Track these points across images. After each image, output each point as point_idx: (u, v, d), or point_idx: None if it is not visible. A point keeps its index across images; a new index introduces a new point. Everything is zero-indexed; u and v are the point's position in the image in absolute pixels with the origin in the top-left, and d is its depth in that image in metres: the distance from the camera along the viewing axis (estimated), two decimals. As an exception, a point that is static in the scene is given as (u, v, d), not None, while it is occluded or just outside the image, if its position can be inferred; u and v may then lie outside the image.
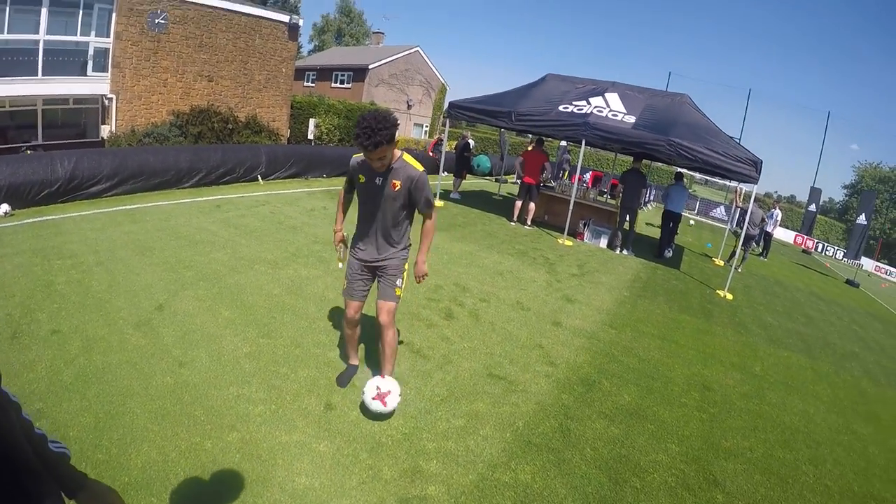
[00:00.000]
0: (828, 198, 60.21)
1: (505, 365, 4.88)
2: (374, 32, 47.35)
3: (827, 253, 29.01)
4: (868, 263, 27.69)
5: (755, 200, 12.56)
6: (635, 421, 4.27)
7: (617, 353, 5.66)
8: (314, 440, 3.36)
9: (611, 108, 11.64)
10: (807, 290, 13.26)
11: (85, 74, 14.29)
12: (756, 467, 3.97)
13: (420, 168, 3.53)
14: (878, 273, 27.64)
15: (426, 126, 40.30)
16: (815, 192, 28.33)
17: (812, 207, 28.12)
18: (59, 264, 5.92)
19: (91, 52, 14.25)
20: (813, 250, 28.34)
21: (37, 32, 13.00)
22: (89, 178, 9.28)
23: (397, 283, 3.75)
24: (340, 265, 3.97)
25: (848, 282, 17.93)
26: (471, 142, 16.42)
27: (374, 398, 3.56)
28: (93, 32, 14.16)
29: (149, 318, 4.78)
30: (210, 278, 5.96)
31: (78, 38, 13.96)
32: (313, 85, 38.89)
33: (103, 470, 2.88)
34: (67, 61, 13.98)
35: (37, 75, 13.21)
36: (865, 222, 19.41)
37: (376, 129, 3.13)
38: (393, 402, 3.60)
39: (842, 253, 27.81)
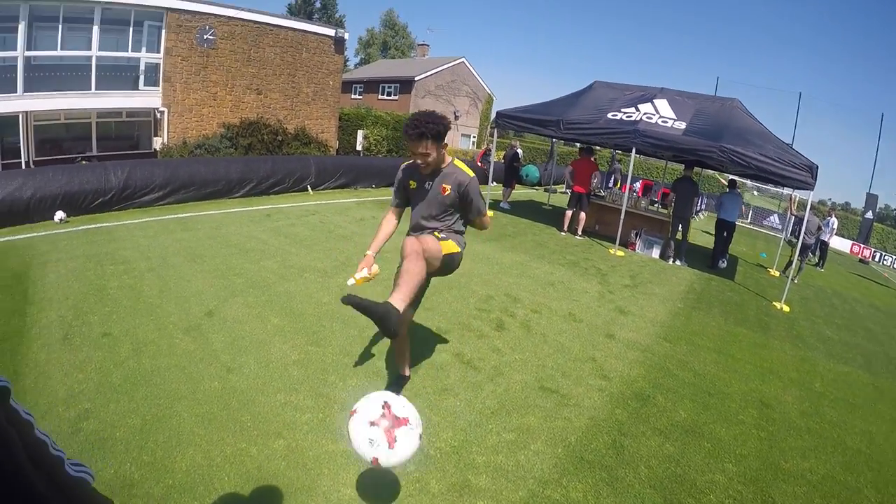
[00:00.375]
0: (884, 204, 57.66)
1: (557, 378, 4.74)
2: (419, 45, 47.91)
3: (885, 262, 27.54)
4: (932, 274, 26.22)
5: (812, 208, 12.06)
6: (691, 438, 4.06)
7: (672, 367, 5.44)
8: (362, 451, 3.30)
9: (660, 114, 11.38)
10: (866, 302, 12.60)
11: (137, 89, 14.87)
12: (816, 490, 3.71)
13: (471, 174, 3.44)
14: (947, 282, 26.15)
15: (474, 137, 40.42)
16: (871, 199, 27.09)
17: (869, 215, 26.89)
18: (112, 269, 6.09)
19: (142, 67, 14.83)
20: (870, 259, 26.93)
21: (89, 49, 13.62)
22: (142, 188, 9.61)
23: (441, 236, 3.46)
24: (351, 281, 3.38)
25: None
26: (519, 151, 16.30)
27: (371, 425, 2.44)
28: (143, 48, 14.77)
29: (199, 324, 4.85)
30: (260, 286, 6.02)
31: (129, 53, 14.57)
32: (361, 97, 39.49)
33: (148, 472, 2.90)
34: (120, 76, 14.57)
35: (90, 90, 13.81)
36: None
37: (423, 121, 3.18)
38: (406, 445, 2.48)
39: None
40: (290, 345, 4.63)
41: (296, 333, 4.88)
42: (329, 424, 3.53)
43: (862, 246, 27.43)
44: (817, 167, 9.08)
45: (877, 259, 27.38)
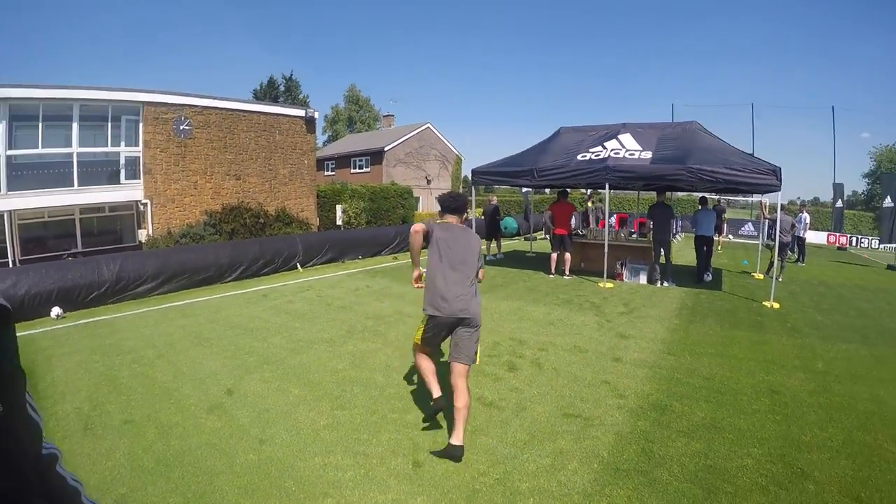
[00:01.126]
0: (851, 191, 59.53)
1: (577, 403, 4.92)
2: (384, 116, 49.22)
3: (862, 244, 28.47)
4: (908, 244, 27.15)
5: (783, 208, 12.56)
6: (713, 433, 4.27)
7: (681, 377, 5.65)
8: (409, 497, 3.42)
9: (626, 148, 11.93)
10: (851, 285, 13.08)
11: (119, 182, 15.27)
12: (840, 453, 3.97)
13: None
14: (920, 252, 27.02)
15: (446, 198, 41.03)
16: (838, 188, 28.03)
17: (839, 204, 27.70)
18: (120, 360, 6.20)
19: (123, 160, 15.30)
20: (848, 245, 27.93)
21: (70, 146, 14.07)
22: (135, 279, 9.78)
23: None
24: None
25: (889, 267, 17.56)
26: (497, 205, 16.72)
27: None
28: (122, 142, 15.29)
29: (220, 402, 4.98)
30: (272, 361, 6.17)
31: (109, 148, 15.09)
32: (333, 173, 40.25)
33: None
34: (101, 171, 15.01)
35: (73, 186, 14.18)
36: (893, 204, 18.94)
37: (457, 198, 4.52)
38: None
39: (876, 241, 27.15)
40: (316, 412, 4.76)
41: (319, 401, 5.02)
42: (373, 477, 3.65)
43: (837, 234, 28.38)
44: (780, 168, 9.55)
45: (854, 244, 28.36)
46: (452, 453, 3.85)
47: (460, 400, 3.97)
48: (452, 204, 4.41)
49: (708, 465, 3.76)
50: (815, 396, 5.15)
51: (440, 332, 4.17)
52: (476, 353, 4.16)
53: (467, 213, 4.46)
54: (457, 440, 3.89)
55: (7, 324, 0.89)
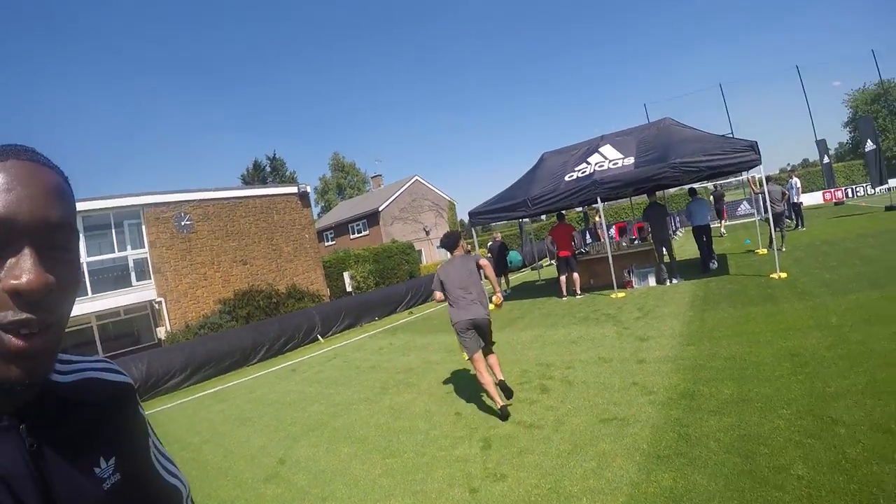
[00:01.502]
0: (837, 143, 59.94)
1: (611, 408, 5.16)
2: (372, 177, 50.26)
3: (858, 194, 28.83)
4: (900, 182, 27.72)
5: (769, 179, 12.89)
6: (743, 406, 4.49)
7: (703, 363, 5.89)
8: (471, 519, 3.66)
9: (609, 158, 12.37)
10: (854, 236, 13.36)
11: (130, 285, 15.76)
12: (865, 394, 4.19)
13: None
14: (918, 184, 27.41)
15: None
16: (821, 144, 28.24)
17: (825, 160, 28.00)
18: (167, 449, 6.42)
19: (131, 263, 15.86)
20: (844, 199, 28.29)
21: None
22: (164, 374, 10.10)
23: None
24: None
25: (888, 208, 17.92)
26: (502, 241, 17.06)
27: None
28: (129, 246, 15.89)
29: (276, 472, 5.25)
30: (316, 427, 6.43)
31: (116, 254, 15.64)
32: (334, 242, 40.91)
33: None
34: (112, 276, 15.51)
35: (87, 294, 14.63)
36: (875, 146, 19.11)
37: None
38: None
39: (869, 187, 27.40)
40: (369, 464, 5.01)
41: (369, 454, 5.27)
42: (435, 508, 3.90)
43: (832, 191, 28.71)
44: (756, 142, 9.86)
45: (851, 195, 28.70)
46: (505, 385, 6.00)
47: (499, 375, 6.03)
48: (447, 242, 6.25)
49: (742, 434, 3.99)
50: (833, 350, 5.38)
51: (465, 332, 5.79)
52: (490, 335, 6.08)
53: (464, 245, 6.32)
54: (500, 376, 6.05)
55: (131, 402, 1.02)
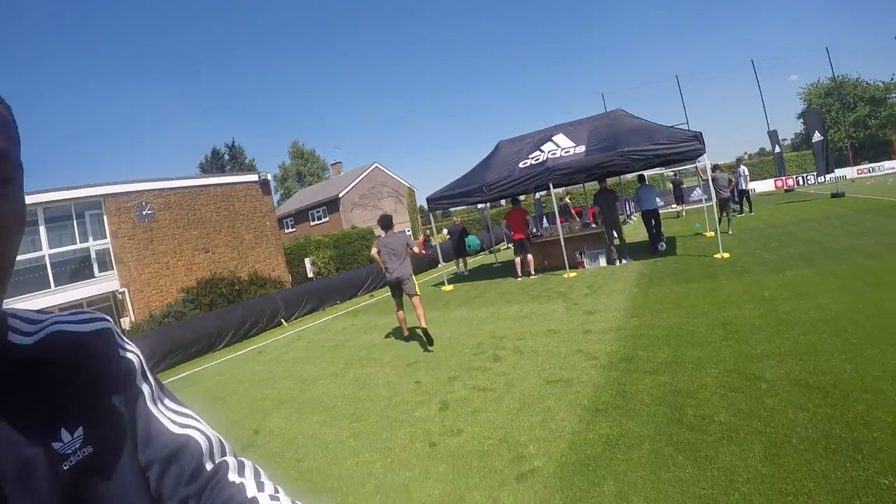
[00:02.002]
0: (793, 134, 62.23)
1: (557, 372, 5.67)
2: (331, 164, 49.87)
3: (809, 182, 30.31)
4: (848, 171, 30.10)
5: (717, 168, 13.66)
6: (676, 367, 5.04)
7: (643, 331, 6.46)
8: (432, 468, 4.09)
9: (561, 147, 12.90)
10: (797, 221, 14.28)
11: (93, 276, 15.70)
12: (788, 355, 4.76)
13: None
14: (862, 174, 29.77)
15: (408, 230, 41.90)
16: (773, 135, 29.47)
17: (777, 149, 29.28)
18: None
19: (93, 254, 15.77)
20: (795, 186, 29.84)
21: (40, 249, 14.46)
22: None
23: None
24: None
25: (833, 195, 18.99)
26: (463, 226, 17.59)
27: None
28: (90, 237, 15.77)
29: (252, 441, 5.60)
30: (287, 400, 6.78)
31: (78, 245, 15.52)
32: (294, 230, 40.75)
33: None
34: (74, 268, 15.40)
35: (50, 287, 14.59)
36: (822, 137, 20.26)
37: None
38: None
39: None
40: (338, 428, 5.40)
41: (337, 420, 5.65)
42: (399, 462, 4.32)
43: (783, 178, 30.17)
44: (700, 133, 10.48)
45: (801, 183, 30.22)
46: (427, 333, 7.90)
47: (419, 310, 8.09)
48: (384, 222, 8.47)
49: (673, 390, 4.53)
50: (762, 319, 6.00)
51: (394, 289, 8.36)
52: (415, 287, 8.22)
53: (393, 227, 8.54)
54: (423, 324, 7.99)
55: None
